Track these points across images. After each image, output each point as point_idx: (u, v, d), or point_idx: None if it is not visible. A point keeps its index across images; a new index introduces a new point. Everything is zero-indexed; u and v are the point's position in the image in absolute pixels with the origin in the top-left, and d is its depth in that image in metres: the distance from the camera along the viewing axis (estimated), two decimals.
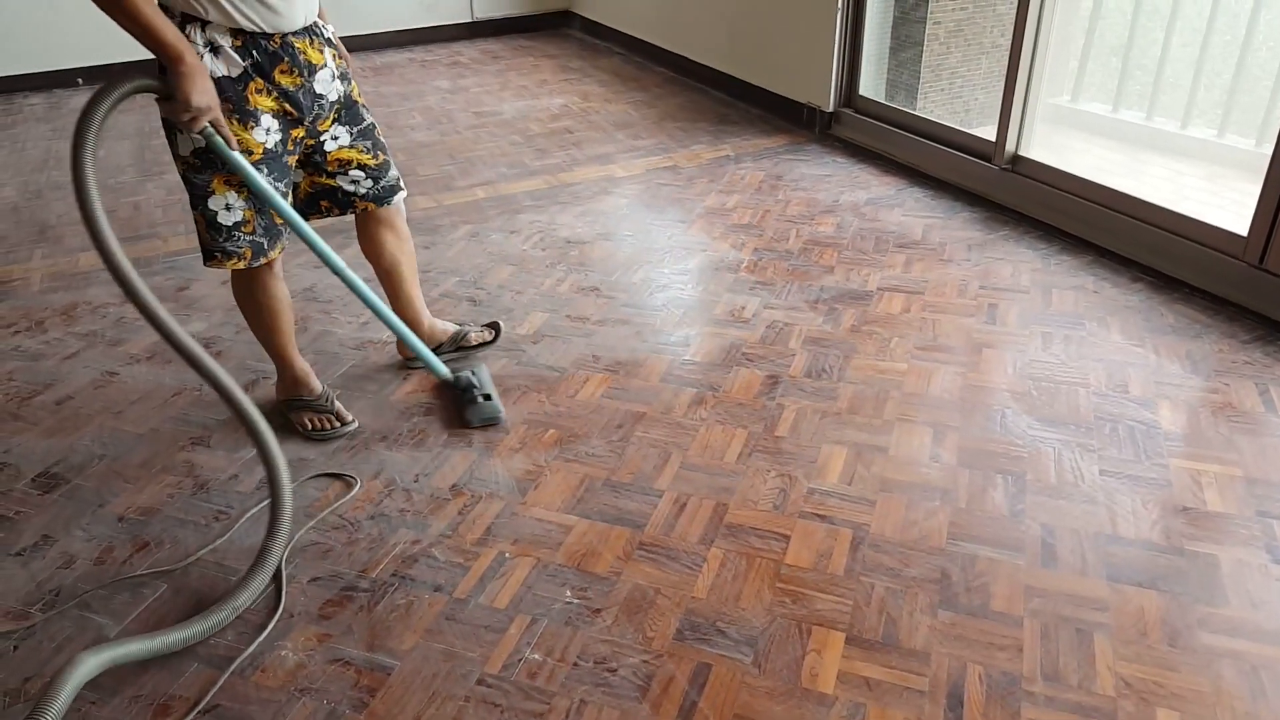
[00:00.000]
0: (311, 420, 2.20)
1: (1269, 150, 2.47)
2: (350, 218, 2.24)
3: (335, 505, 1.95)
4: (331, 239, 2.36)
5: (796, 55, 4.12)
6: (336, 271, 2.07)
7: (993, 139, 3.29)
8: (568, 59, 5.61)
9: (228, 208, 1.89)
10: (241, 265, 1.96)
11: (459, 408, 2.26)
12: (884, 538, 1.81)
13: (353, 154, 2.07)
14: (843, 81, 3.96)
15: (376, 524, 1.90)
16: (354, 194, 2.13)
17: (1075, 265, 2.86)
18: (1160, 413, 2.16)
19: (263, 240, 1.97)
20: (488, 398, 2.25)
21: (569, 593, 1.71)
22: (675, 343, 2.54)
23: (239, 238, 1.93)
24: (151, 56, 1.71)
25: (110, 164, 4.07)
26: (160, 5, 1.70)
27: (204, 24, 1.75)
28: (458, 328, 2.51)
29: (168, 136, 1.86)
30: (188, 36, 1.73)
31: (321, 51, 1.93)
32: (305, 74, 1.90)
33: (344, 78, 2.02)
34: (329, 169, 2.07)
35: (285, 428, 2.21)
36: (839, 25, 3.82)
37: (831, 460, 2.04)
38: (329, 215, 2.18)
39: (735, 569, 1.75)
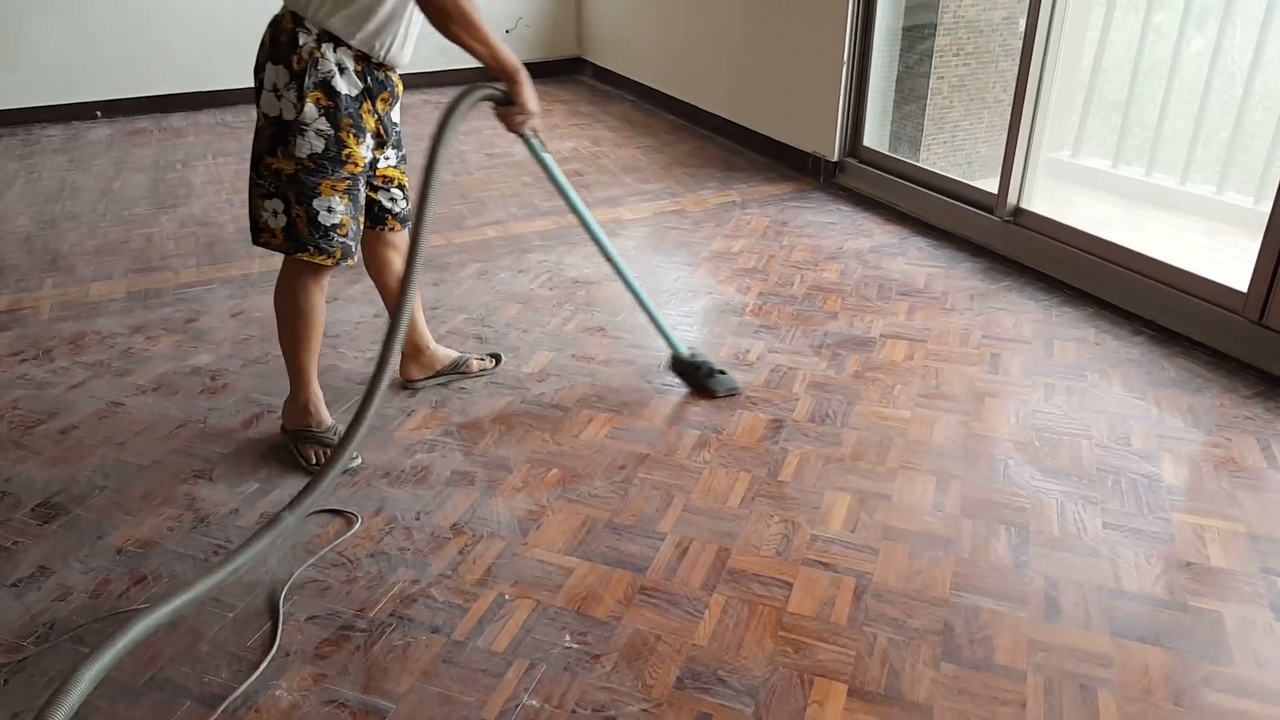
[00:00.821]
0: (316, 454, 2.21)
1: (1267, 207, 2.51)
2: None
3: (335, 542, 1.94)
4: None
5: (803, 106, 4.19)
6: (609, 258, 2.38)
7: (995, 191, 3.34)
8: (579, 104, 5.69)
9: (330, 209, 2.02)
10: (329, 263, 2.08)
11: (698, 382, 2.47)
12: (887, 587, 1.80)
13: (395, 173, 2.26)
14: (847, 132, 4.02)
15: (376, 562, 1.89)
16: (389, 210, 2.28)
17: (1077, 317, 2.88)
18: (1163, 466, 2.16)
19: (351, 244, 2.09)
20: (723, 372, 2.48)
21: (568, 637, 1.70)
22: (679, 384, 2.55)
23: (333, 238, 2.05)
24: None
25: (124, 196, 4.11)
26: (299, 19, 1.89)
27: (337, 45, 1.91)
28: (459, 354, 2.58)
29: (280, 135, 1.94)
30: (323, 54, 1.90)
31: (400, 85, 2.13)
32: (394, 103, 2.11)
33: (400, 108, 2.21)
34: (375, 183, 2.22)
35: (288, 460, 2.21)
36: (844, 78, 3.89)
37: (835, 507, 2.03)
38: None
39: (737, 616, 1.74)
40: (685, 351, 2.52)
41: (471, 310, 3.01)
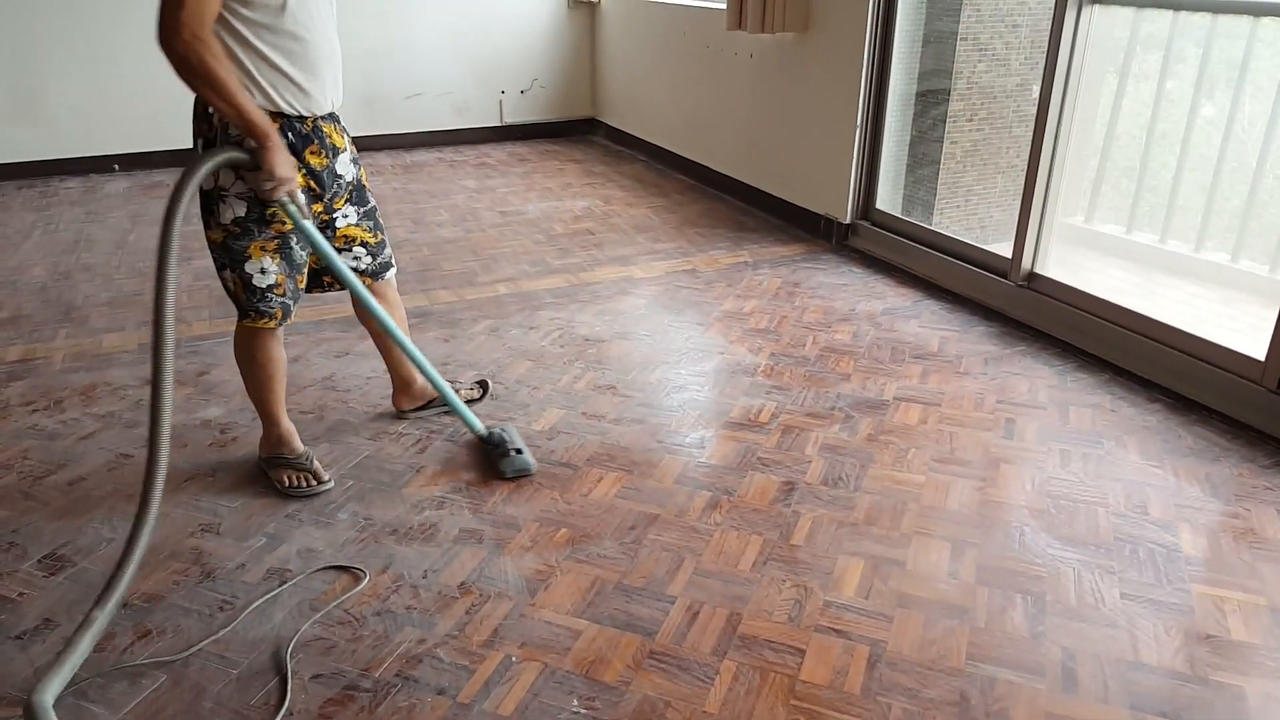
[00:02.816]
0: (290, 477, 2.29)
1: None
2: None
3: (341, 599, 1.92)
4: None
5: (815, 168, 4.24)
6: (379, 320, 2.28)
7: (1009, 255, 3.35)
8: (592, 164, 5.78)
9: (263, 271, 2.06)
10: (273, 325, 2.12)
11: (492, 461, 2.40)
12: (902, 656, 1.76)
13: (358, 231, 2.26)
14: (860, 195, 4.06)
15: (382, 620, 1.86)
16: (355, 268, 2.30)
17: (1092, 383, 2.87)
18: (1181, 536, 2.13)
19: (290, 302, 2.14)
20: (519, 452, 2.39)
21: (576, 702, 1.66)
22: (690, 444, 2.53)
23: (272, 299, 2.09)
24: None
25: (140, 248, 4.17)
26: None
27: None
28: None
29: (207, 205, 2.01)
30: None
31: (343, 137, 2.15)
32: (330, 155, 2.10)
33: (355, 162, 2.21)
34: (336, 244, 2.23)
35: (267, 488, 2.29)
36: (857, 141, 3.94)
37: (848, 572, 2.00)
38: (329, 290, 2.36)
39: (748, 683, 1.70)
40: (482, 429, 2.46)
41: (482, 366, 3.01)
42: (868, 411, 2.70)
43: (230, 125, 1.92)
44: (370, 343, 3.10)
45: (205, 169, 1.85)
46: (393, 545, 2.11)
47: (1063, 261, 3.61)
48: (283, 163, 1.91)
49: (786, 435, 2.57)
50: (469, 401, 2.67)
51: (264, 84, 1.94)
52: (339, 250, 2.23)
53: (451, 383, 2.68)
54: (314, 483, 2.29)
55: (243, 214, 2.00)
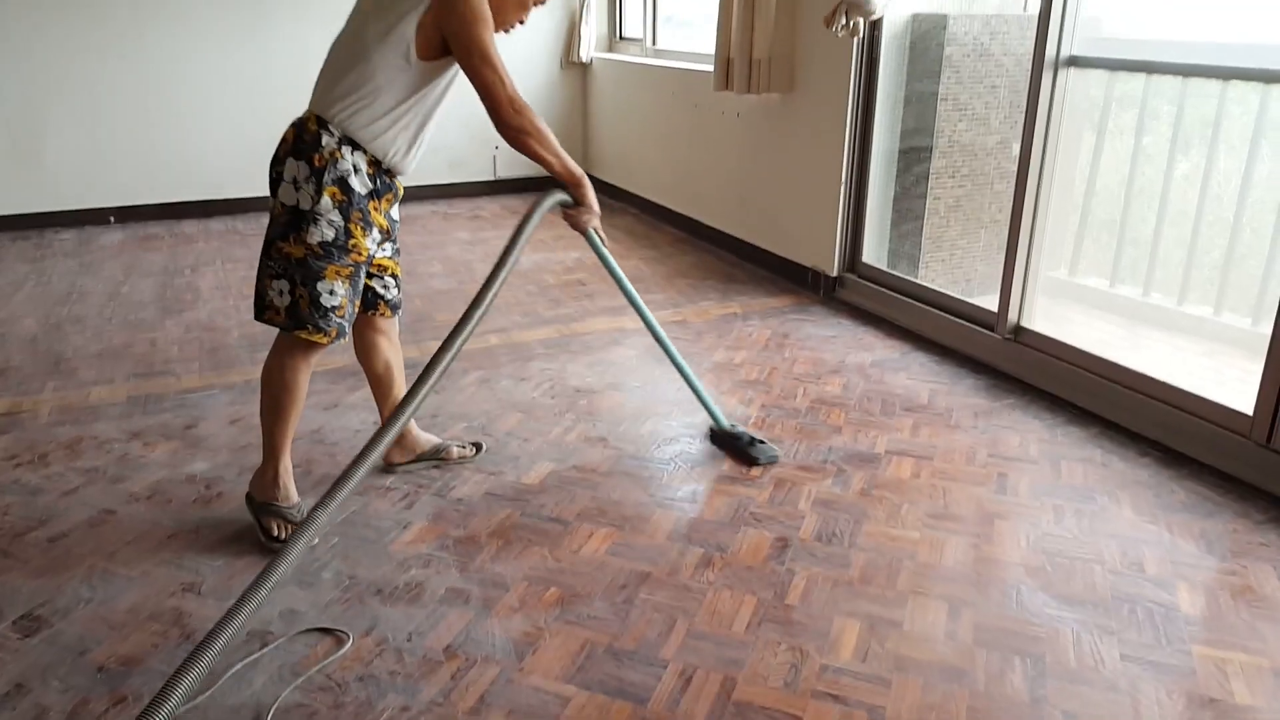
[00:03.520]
0: (279, 526, 2.29)
1: (1265, 329, 2.53)
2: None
3: (324, 663, 1.87)
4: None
5: (802, 222, 4.28)
6: (654, 332, 2.68)
7: (994, 308, 3.37)
8: None
9: (332, 292, 2.16)
10: (326, 341, 2.21)
11: (739, 451, 2.69)
12: None
13: (390, 263, 2.41)
14: (846, 248, 4.10)
15: (365, 686, 1.81)
16: (382, 296, 2.41)
17: (1082, 436, 2.86)
18: (1179, 594, 2.11)
19: (346, 325, 2.23)
20: (762, 441, 2.71)
21: None
22: (682, 498, 2.51)
23: (332, 319, 2.18)
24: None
25: (132, 300, 4.15)
26: (323, 122, 2.09)
27: (355, 148, 2.11)
28: (440, 441, 2.68)
29: (295, 222, 2.10)
30: (343, 154, 2.10)
31: (401, 189, 2.31)
32: (395, 203, 2.30)
33: None
34: (371, 270, 2.36)
35: (251, 546, 2.26)
36: (842, 197, 3.99)
37: (845, 634, 1.96)
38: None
39: None
40: (726, 424, 2.78)
41: (472, 418, 2.99)
42: (860, 465, 2.69)
43: (338, 160, 2.09)
44: (359, 394, 3.09)
45: (544, 207, 2.19)
46: (377, 606, 2.06)
47: (1048, 314, 3.64)
48: (594, 200, 2.32)
49: (779, 489, 2.55)
50: (461, 459, 2.68)
51: (399, 141, 2.16)
52: (371, 276, 2.36)
53: (444, 440, 2.70)
54: None
55: (330, 238, 2.11)
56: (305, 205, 2.10)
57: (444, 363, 1.90)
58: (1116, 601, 2.08)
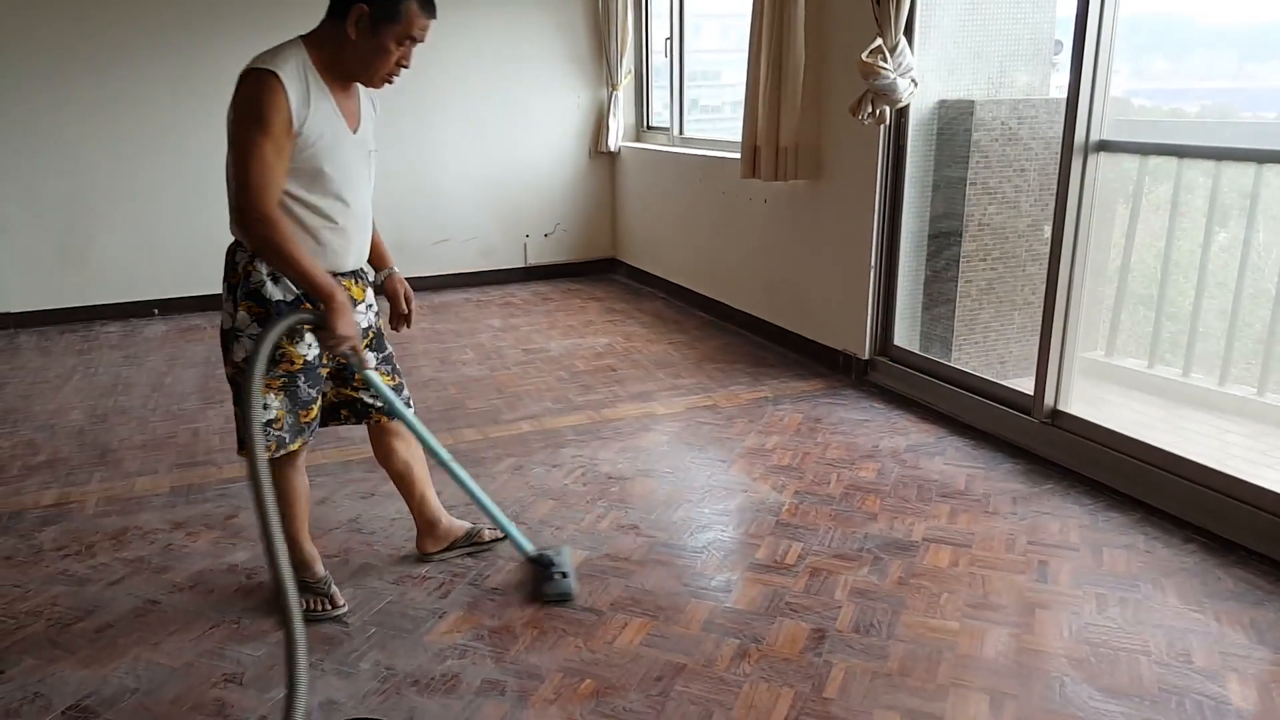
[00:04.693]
0: (308, 600, 2.35)
1: None
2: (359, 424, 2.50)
3: None
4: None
5: (832, 306, 4.33)
6: (434, 454, 2.40)
7: (1030, 391, 3.36)
8: (613, 301, 5.93)
9: (265, 406, 2.15)
10: (266, 455, 2.15)
11: (535, 583, 2.47)
12: None
13: (385, 378, 2.38)
14: (878, 332, 4.13)
15: None
16: (371, 406, 2.41)
17: (1125, 523, 2.82)
18: (1229, 686, 2.05)
19: (285, 435, 2.22)
20: (564, 575, 2.46)
21: None
22: (716, 587, 2.50)
23: (269, 432, 2.17)
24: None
25: (175, 390, 4.27)
26: (239, 243, 2.11)
27: None
28: (471, 525, 2.71)
29: (225, 347, 2.17)
30: (256, 267, 2.09)
31: (364, 290, 2.32)
32: (370, 307, 2.30)
33: (374, 310, 2.38)
34: (354, 384, 2.36)
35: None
36: (872, 281, 4.04)
37: None
38: (346, 423, 2.47)
39: None
40: (531, 549, 2.56)
41: (505, 506, 3.01)
42: (897, 553, 2.66)
43: (251, 274, 2.09)
44: (392, 485, 3.13)
45: (278, 329, 2.00)
46: (414, 697, 2.06)
47: (1085, 396, 3.61)
48: (345, 322, 2.06)
49: (814, 578, 2.53)
50: (493, 540, 2.70)
51: (304, 239, 2.10)
52: (355, 389, 2.37)
53: (475, 524, 2.72)
54: (329, 607, 2.37)
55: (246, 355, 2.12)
56: (226, 325, 2.17)
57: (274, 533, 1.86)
58: (1164, 694, 2.02)
